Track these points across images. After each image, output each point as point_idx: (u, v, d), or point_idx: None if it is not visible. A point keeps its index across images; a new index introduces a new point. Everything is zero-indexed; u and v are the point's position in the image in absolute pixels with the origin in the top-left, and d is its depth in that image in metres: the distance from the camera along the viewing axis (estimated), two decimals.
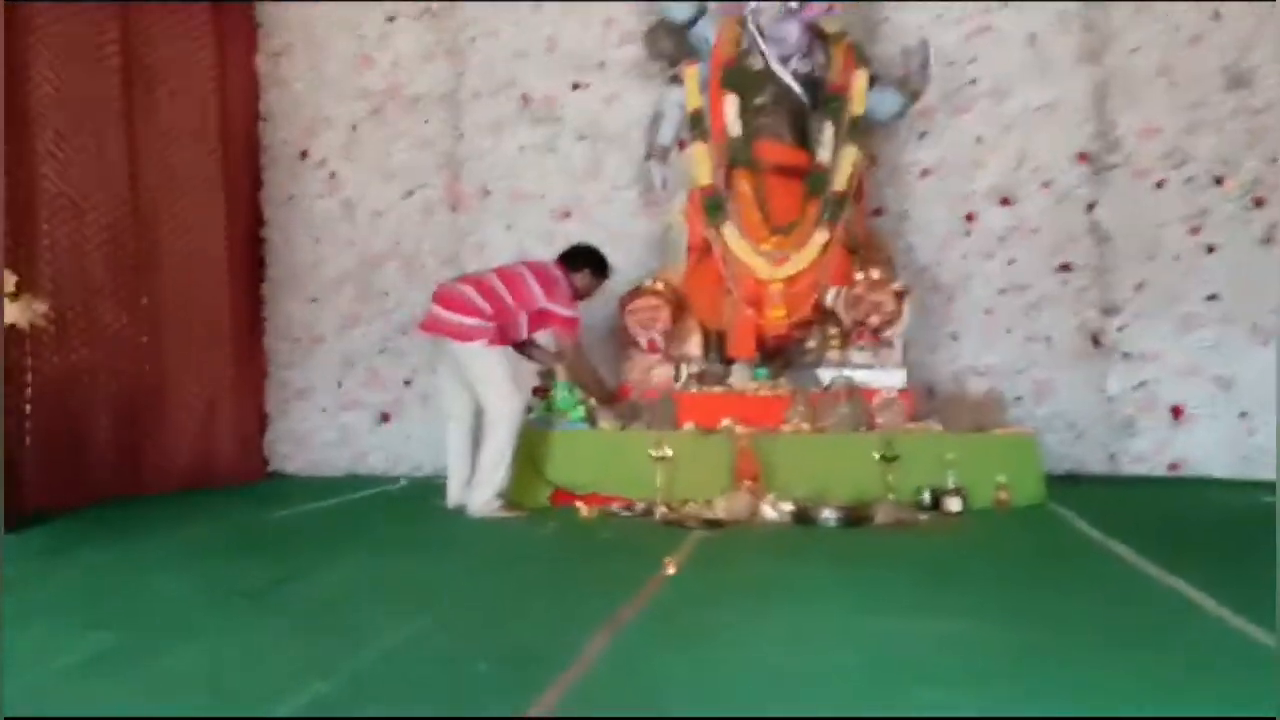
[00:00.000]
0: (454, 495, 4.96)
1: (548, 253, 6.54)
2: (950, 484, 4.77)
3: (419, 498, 5.29)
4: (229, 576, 3.21)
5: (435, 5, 6.86)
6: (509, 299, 4.87)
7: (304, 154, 6.91)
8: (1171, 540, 4.02)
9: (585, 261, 5.15)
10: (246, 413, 6.69)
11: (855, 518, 4.39)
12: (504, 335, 4.88)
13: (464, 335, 4.76)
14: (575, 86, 6.74)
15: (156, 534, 4.16)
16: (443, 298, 4.88)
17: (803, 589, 3.07)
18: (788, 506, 4.55)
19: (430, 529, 4.40)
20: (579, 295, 5.09)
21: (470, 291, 4.84)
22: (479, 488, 4.74)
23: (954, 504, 4.71)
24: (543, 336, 5.24)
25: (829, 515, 4.39)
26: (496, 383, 4.74)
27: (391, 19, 6.87)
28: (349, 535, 4.12)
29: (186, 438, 6.17)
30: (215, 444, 6.40)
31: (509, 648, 2.39)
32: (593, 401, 5.18)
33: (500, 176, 6.79)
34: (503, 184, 6.79)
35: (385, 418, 6.84)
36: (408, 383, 6.81)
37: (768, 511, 4.53)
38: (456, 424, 4.98)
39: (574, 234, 6.61)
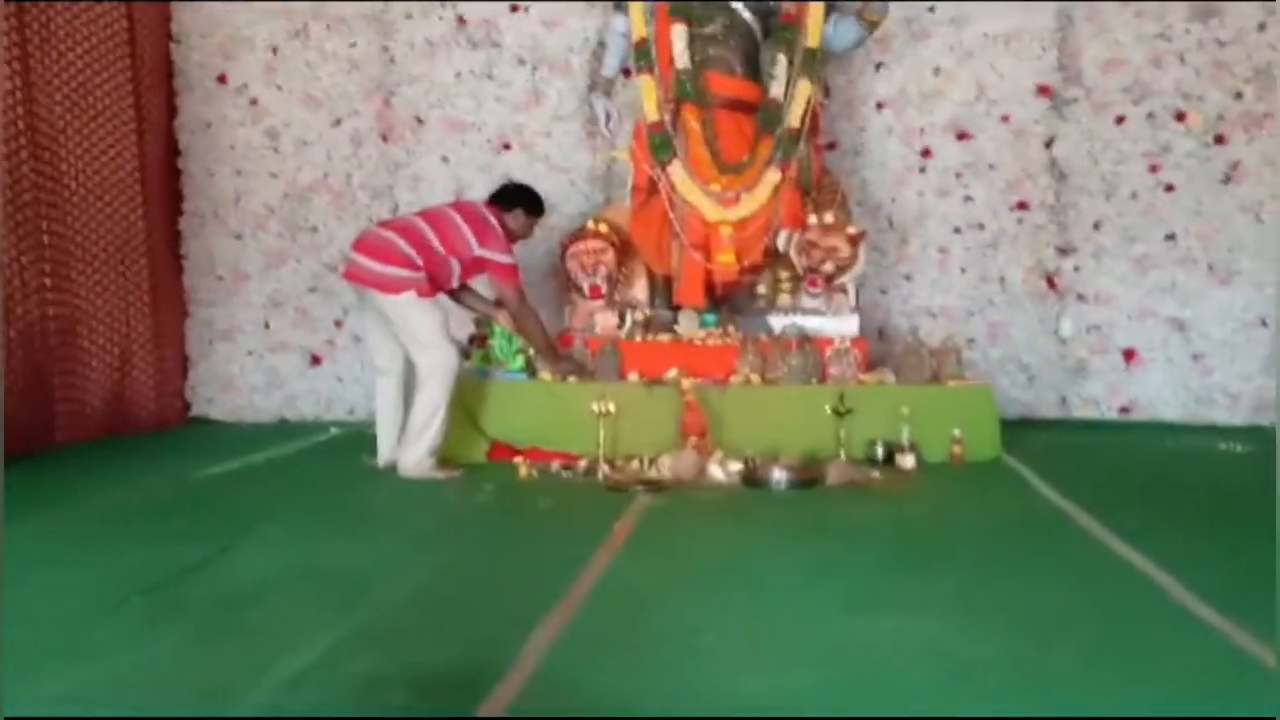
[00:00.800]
0: (385, 453, 4.71)
1: (487, 186, 6.24)
2: (904, 439, 4.60)
3: (349, 452, 5.00)
4: (129, 567, 2.93)
5: None
6: (439, 246, 4.57)
7: (221, 78, 6.43)
8: (1130, 501, 3.89)
9: (518, 200, 4.86)
10: (166, 356, 6.32)
11: (806, 479, 4.20)
12: (435, 285, 4.60)
13: (391, 287, 4.45)
14: (514, 8, 6.32)
15: (57, 507, 3.84)
16: (367, 246, 4.54)
17: (755, 577, 2.87)
18: (736, 466, 4.36)
19: (359, 495, 4.13)
20: (513, 238, 4.81)
21: (397, 239, 4.51)
22: (409, 446, 4.49)
23: (908, 461, 4.55)
24: (480, 283, 4.94)
25: (779, 477, 4.21)
26: (427, 335, 4.46)
27: None
28: (270, 505, 3.83)
29: (100, 384, 5.80)
30: (132, 389, 6.04)
31: (435, 664, 2.16)
32: (534, 354, 4.90)
33: (435, 104, 6.39)
34: (437, 112, 6.39)
35: (316, 360, 6.51)
36: (339, 323, 6.48)
37: (715, 472, 4.34)
38: (385, 378, 4.71)
39: (514, 166, 6.33)
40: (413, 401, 4.52)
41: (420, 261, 4.50)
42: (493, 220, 4.70)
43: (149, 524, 3.60)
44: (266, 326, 6.52)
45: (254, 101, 6.43)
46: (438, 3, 6.34)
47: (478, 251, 4.61)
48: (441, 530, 3.49)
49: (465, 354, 4.95)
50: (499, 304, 4.87)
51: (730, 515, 3.71)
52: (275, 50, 6.41)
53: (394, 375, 4.66)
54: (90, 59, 5.71)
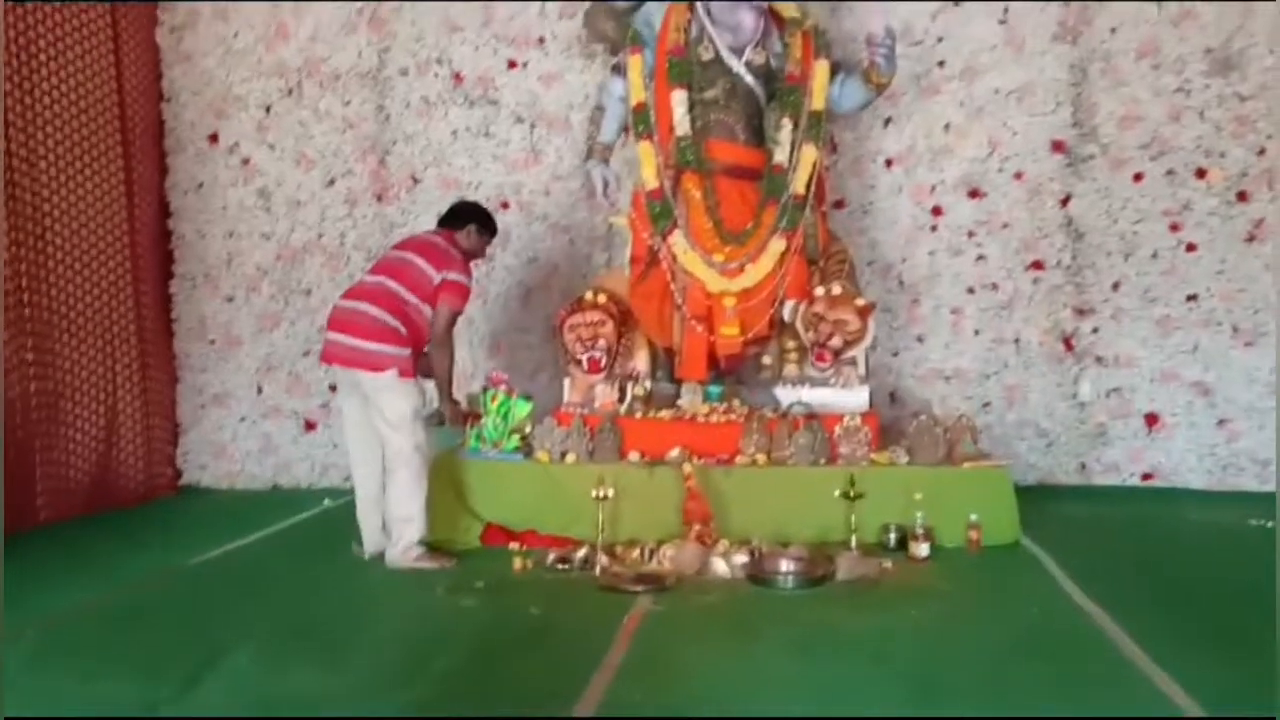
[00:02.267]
0: (370, 541, 4.50)
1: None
2: (918, 525, 4.38)
3: (339, 533, 4.77)
4: (73, 705, 2.72)
5: None
6: (411, 297, 4.37)
7: (213, 138, 6.28)
8: (1164, 607, 3.66)
9: (468, 218, 4.70)
10: (155, 424, 6.15)
11: (816, 576, 3.98)
12: (418, 344, 4.41)
13: (374, 364, 4.28)
14: (512, 65, 6.16)
15: (20, 610, 3.61)
16: (343, 323, 4.36)
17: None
18: (741, 559, 4.14)
19: (341, 600, 3.90)
20: (468, 256, 4.64)
21: (370, 309, 4.32)
22: (394, 538, 4.31)
23: (922, 549, 4.32)
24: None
25: (786, 573, 3.99)
26: (399, 418, 4.27)
27: None
28: (247, 616, 3.61)
29: (87, 457, 5.64)
30: (120, 460, 5.88)
31: None
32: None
33: (431, 163, 6.25)
34: (433, 171, 6.25)
35: (310, 425, 6.33)
36: (333, 388, 6.27)
37: (719, 566, 4.11)
38: (362, 468, 4.50)
39: (513, 225, 6.17)
40: (387, 492, 4.33)
41: (403, 329, 4.32)
42: (444, 243, 4.55)
43: (114, 640, 3.39)
44: (259, 391, 6.35)
45: (246, 161, 6.29)
46: (434, 60, 6.18)
47: (437, 278, 4.41)
48: (423, 651, 3.27)
49: (440, 420, 4.77)
50: (432, 323, 4.50)
51: (734, 627, 3.47)
52: (268, 109, 6.27)
53: (372, 465, 4.45)
54: (79, 121, 5.57)
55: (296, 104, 6.25)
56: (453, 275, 4.44)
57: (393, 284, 4.39)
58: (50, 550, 4.75)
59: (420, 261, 4.44)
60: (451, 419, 4.71)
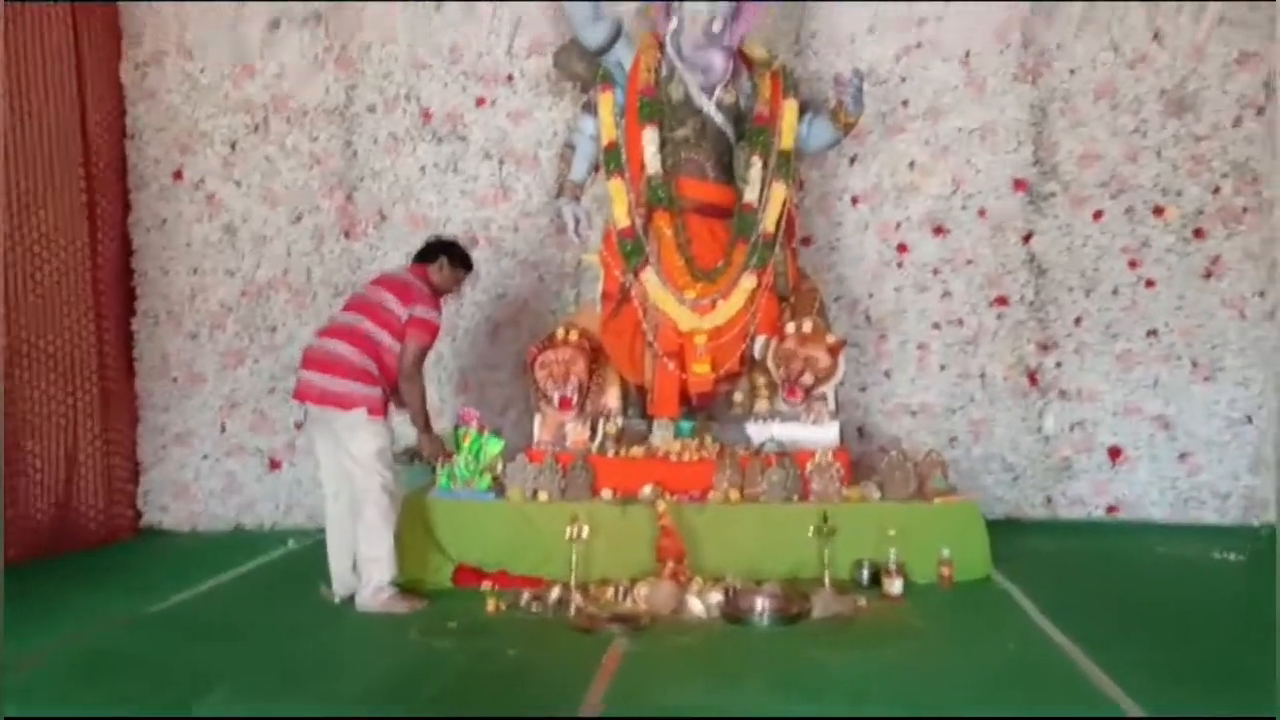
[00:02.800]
0: (340, 582, 4.43)
1: None
2: (891, 561, 4.39)
3: (305, 574, 4.68)
4: None
5: (324, 7, 6.20)
6: (381, 335, 4.35)
7: (178, 174, 6.22)
8: (1137, 640, 3.69)
9: (440, 252, 4.68)
10: (116, 464, 6.03)
11: (791, 614, 3.98)
12: (390, 383, 4.39)
13: (343, 402, 4.27)
14: (480, 102, 6.17)
15: None
16: (316, 362, 4.34)
17: None
18: (716, 597, 4.13)
19: (310, 644, 3.83)
20: (438, 291, 4.61)
21: (342, 348, 4.31)
22: (364, 579, 4.27)
23: (895, 586, 4.34)
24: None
25: (761, 611, 3.98)
26: (367, 457, 4.25)
27: (275, 24, 6.19)
28: (206, 673, 3.41)
29: (45, 499, 5.52)
30: (79, 501, 5.76)
31: None
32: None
33: (399, 198, 6.22)
34: (401, 207, 6.22)
35: (274, 464, 6.24)
36: (299, 425, 6.18)
37: (694, 605, 4.10)
38: (335, 503, 4.45)
39: (482, 261, 6.10)
40: (355, 534, 4.30)
41: (374, 368, 4.30)
42: (413, 279, 4.54)
43: (74, 690, 3.30)
44: (223, 430, 6.25)
45: (211, 198, 6.23)
46: (402, 97, 6.18)
47: (405, 316, 4.39)
48: (399, 695, 3.22)
49: (411, 457, 4.73)
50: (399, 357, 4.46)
51: (712, 667, 3.46)
52: (234, 145, 6.23)
53: (343, 506, 4.40)
54: (41, 159, 5.50)
55: (263, 140, 6.21)
56: (418, 311, 4.42)
57: (364, 322, 4.39)
58: (6, 595, 4.63)
59: (389, 299, 4.43)
60: (431, 454, 4.68)
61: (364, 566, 4.28)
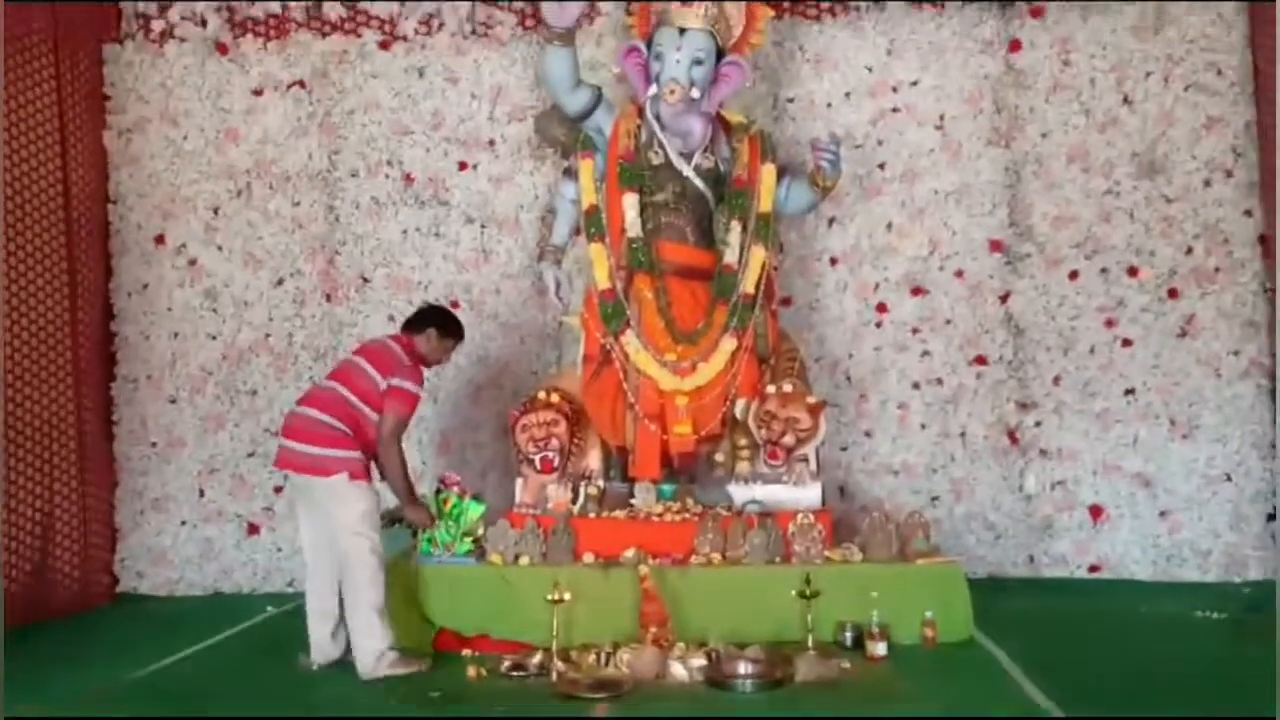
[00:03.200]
0: (319, 649, 4.36)
1: None
2: (874, 623, 4.38)
3: (285, 643, 4.62)
4: None
5: (308, 74, 6.28)
6: (358, 403, 4.33)
7: (160, 239, 6.24)
8: (1121, 702, 3.69)
9: (428, 321, 4.65)
10: (93, 529, 5.97)
11: (774, 678, 3.95)
12: (368, 451, 4.36)
13: (323, 469, 4.23)
14: (463, 166, 6.23)
15: None
16: (295, 430, 4.32)
17: None
18: (698, 662, 4.09)
19: (291, 714, 3.79)
20: (425, 362, 4.60)
21: (321, 416, 4.30)
22: (362, 650, 4.18)
23: (879, 648, 4.31)
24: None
25: (744, 676, 3.95)
26: (352, 522, 4.21)
27: (258, 91, 6.27)
28: None
29: (20, 566, 5.45)
30: (55, 568, 5.70)
31: None
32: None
33: (381, 262, 6.25)
34: (383, 271, 6.25)
35: (253, 529, 6.19)
36: (278, 489, 6.16)
37: (677, 670, 4.06)
38: (315, 570, 4.40)
39: (463, 324, 6.13)
40: (345, 602, 4.24)
41: (351, 433, 4.28)
42: (396, 348, 4.50)
43: None
44: (201, 495, 6.21)
45: (193, 262, 6.25)
46: (385, 162, 6.24)
47: (383, 385, 4.35)
48: None
49: (392, 521, 4.70)
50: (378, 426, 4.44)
51: None
52: (216, 210, 6.26)
53: (324, 575, 4.35)
54: (23, 224, 5.51)
55: (245, 205, 6.25)
56: (397, 382, 4.38)
57: (343, 390, 4.38)
58: None
59: (370, 368, 4.41)
60: (417, 522, 4.66)
61: (359, 635, 4.19)
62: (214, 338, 6.24)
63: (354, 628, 4.21)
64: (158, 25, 6.33)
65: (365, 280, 6.25)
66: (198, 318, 6.24)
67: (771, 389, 5.04)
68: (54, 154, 5.73)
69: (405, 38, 6.31)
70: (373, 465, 4.45)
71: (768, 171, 5.27)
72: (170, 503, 6.20)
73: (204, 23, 6.31)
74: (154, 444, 6.21)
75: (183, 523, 6.19)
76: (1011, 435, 6.03)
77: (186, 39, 6.29)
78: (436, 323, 4.67)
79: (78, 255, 5.93)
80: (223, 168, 6.26)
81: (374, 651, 4.17)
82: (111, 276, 6.24)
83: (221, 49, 6.29)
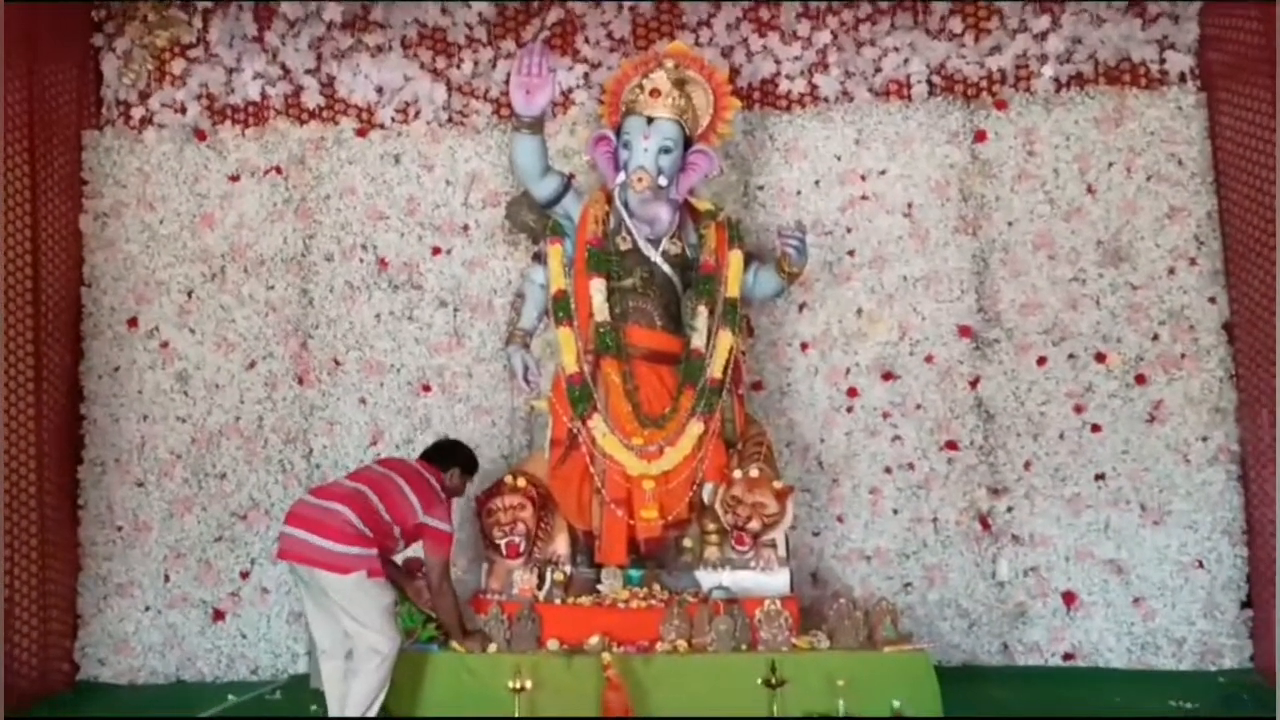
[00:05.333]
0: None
1: (404, 430, 6.11)
2: (841, 712, 4.31)
3: None
4: None
5: (284, 161, 6.37)
6: (386, 515, 4.34)
7: (132, 322, 6.25)
8: None
9: (454, 459, 4.77)
10: (53, 615, 5.86)
11: None
12: (385, 560, 4.36)
13: (340, 566, 4.16)
14: (436, 251, 6.29)
15: None
16: (308, 520, 4.24)
17: None
18: None
19: None
20: (450, 495, 4.65)
21: (342, 510, 4.24)
22: None
23: None
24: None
25: None
26: (374, 620, 4.18)
27: (235, 177, 6.34)
28: None
29: None
30: (13, 657, 5.54)
31: None
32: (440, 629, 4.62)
33: (353, 346, 6.25)
34: (356, 354, 6.24)
35: (219, 615, 6.08)
36: (245, 574, 6.09)
37: None
38: (331, 661, 4.37)
39: (434, 408, 6.21)
40: (351, 685, 4.20)
41: (372, 536, 4.24)
42: (435, 484, 4.55)
43: None
44: (166, 580, 6.11)
45: (165, 345, 6.24)
46: (359, 246, 6.30)
47: (421, 519, 4.42)
48: None
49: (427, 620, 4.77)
50: (412, 574, 4.59)
51: None
52: (190, 294, 6.28)
53: (339, 658, 4.33)
54: None
55: (219, 288, 6.27)
56: (436, 523, 4.44)
57: (375, 499, 4.34)
58: None
59: (408, 490, 4.43)
60: (471, 648, 4.65)
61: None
62: (184, 420, 6.20)
63: (349, 711, 4.18)
64: (138, 112, 6.43)
65: (338, 363, 6.24)
66: (168, 400, 6.21)
67: (738, 474, 5.04)
68: (24, 237, 5.73)
69: (382, 125, 6.41)
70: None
71: (735, 257, 5.34)
72: (134, 588, 6.09)
73: (184, 110, 6.41)
74: (119, 528, 6.13)
75: (146, 608, 6.08)
76: (983, 521, 6.01)
77: (166, 125, 6.38)
78: (461, 463, 4.79)
79: (44, 338, 5.90)
80: (198, 251, 6.30)
81: None
82: (82, 359, 6.23)
83: (200, 135, 6.38)
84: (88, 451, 6.17)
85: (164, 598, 6.09)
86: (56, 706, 5.58)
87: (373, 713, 4.20)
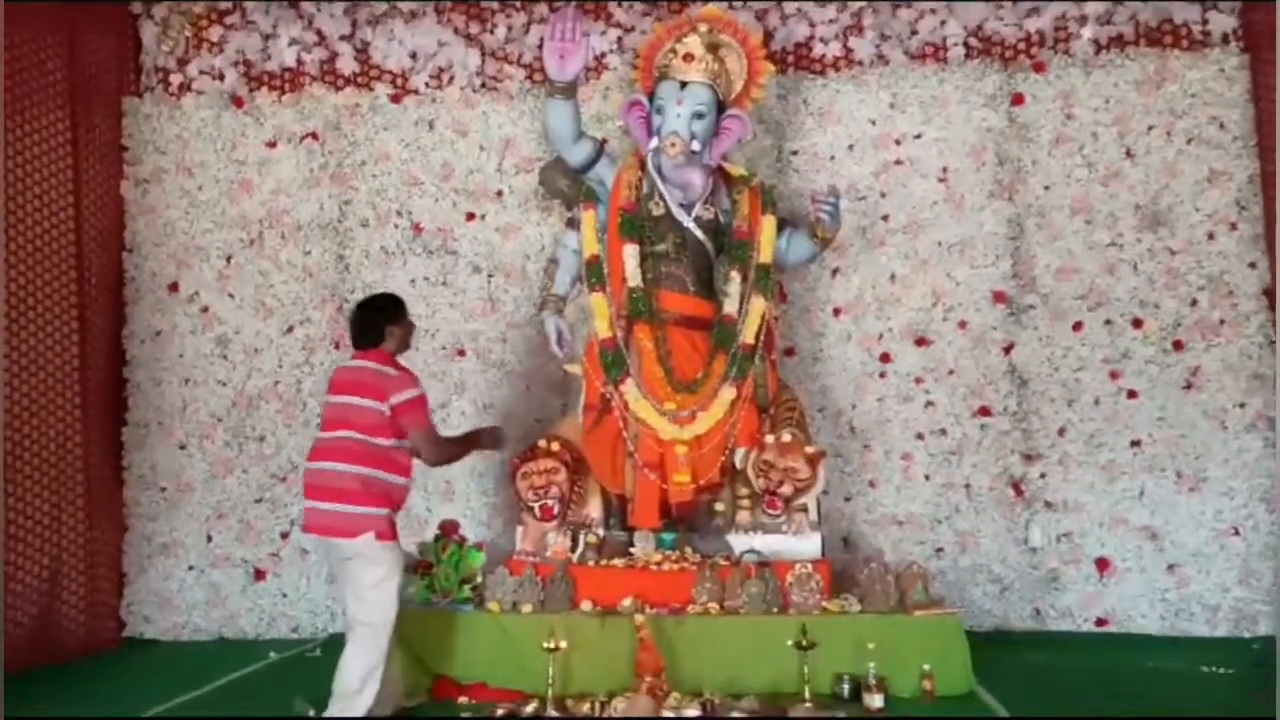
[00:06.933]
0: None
1: (440, 393, 6.16)
2: (871, 675, 4.35)
3: (286, 688, 4.64)
4: None
5: (320, 128, 6.42)
6: (378, 439, 4.09)
7: (173, 287, 6.36)
8: None
9: (385, 318, 4.32)
10: (101, 574, 6.02)
11: None
12: (398, 505, 4.19)
13: (348, 529, 4.03)
14: (470, 217, 6.32)
15: None
16: (319, 488, 4.11)
17: None
18: (692, 712, 4.09)
19: None
20: (400, 352, 4.36)
21: (344, 469, 4.06)
22: (345, 701, 4.01)
23: (876, 700, 4.28)
24: None
25: None
26: (372, 588, 4.04)
27: (272, 143, 6.40)
28: None
29: (26, 610, 5.48)
30: (63, 612, 5.72)
31: None
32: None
33: None
34: None
35: (260, 574, 6.22)
36: (285, 535, 6.22)
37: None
38: None
39: (469, 372, 6.25)
40: (346, 654, 4.08)
41: (382, 474, 4.07)
42: (373, 366, 4.21)
43: None
44: (209, 540, 6.25)
45: (205, 310, 6.35)
46: (394, 212, 6.34)
47: (388, 409, 4.10)
48: None
49: (414, 568, 4.72)
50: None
51: None
52: (229, 259, 6.37)
53: None
54: (32, 275, 5.61)
55: (257, 254, 6.36)
56: (399, 398, 4.12)
57: (351, 433, 4.11)
58: None
59: (362, 401, 4.13)
60: (493, 441, 4.59)
61: (342, 695, 4.03)
62: (224, 384, 6.31)
63: (340, 684, 4.04)
64: (176, 79, 6.51)
65: None
66: (208, 364, 6.32)
67: (770, 439, 5.06)
68: (67, 203, 5.84)
69: (416, 91, 6.44)
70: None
71: (768, 223, 5.33)
72: (178, 548, 6.24)
73: (221, 76, 6.48)
74: (163, 489, 6.27)
75: (190, 568, 6.23)
76: (1016, 487, 6.00)
77: (204, 92, 6.47)
78: (390, 315, 4.35)
79: (88, 302, 6.02)
80: (236, 217, 6.38)
81: (340, 714, 4.03)
82: (125, 324, 6.35)
83: (238, 102, 6.44)
84: (131, 414, 6.31)
85: (206, 557, 6.23)
86: (105, 662, 5.72)
87: (372, 684, 4.02)
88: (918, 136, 6.20)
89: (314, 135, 6.41)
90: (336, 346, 6.31)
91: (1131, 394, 5.96)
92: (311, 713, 4.33)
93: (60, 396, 5.76)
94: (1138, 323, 5.98)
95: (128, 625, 6.21)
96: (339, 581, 4.27)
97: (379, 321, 4.33)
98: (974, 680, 4.58)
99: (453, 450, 4.46)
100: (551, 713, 4.15)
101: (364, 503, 4.06)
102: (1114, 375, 5.98)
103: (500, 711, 4.22)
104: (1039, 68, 6.17)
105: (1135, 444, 5.93)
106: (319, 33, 6.49)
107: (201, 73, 6.50)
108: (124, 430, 6.30)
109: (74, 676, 5.33)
